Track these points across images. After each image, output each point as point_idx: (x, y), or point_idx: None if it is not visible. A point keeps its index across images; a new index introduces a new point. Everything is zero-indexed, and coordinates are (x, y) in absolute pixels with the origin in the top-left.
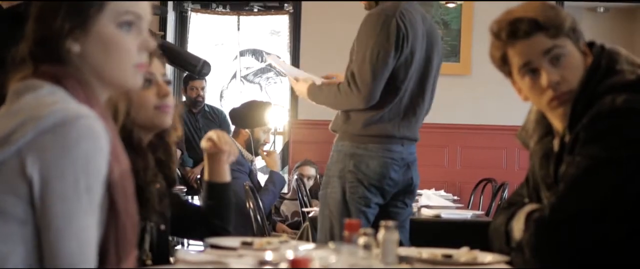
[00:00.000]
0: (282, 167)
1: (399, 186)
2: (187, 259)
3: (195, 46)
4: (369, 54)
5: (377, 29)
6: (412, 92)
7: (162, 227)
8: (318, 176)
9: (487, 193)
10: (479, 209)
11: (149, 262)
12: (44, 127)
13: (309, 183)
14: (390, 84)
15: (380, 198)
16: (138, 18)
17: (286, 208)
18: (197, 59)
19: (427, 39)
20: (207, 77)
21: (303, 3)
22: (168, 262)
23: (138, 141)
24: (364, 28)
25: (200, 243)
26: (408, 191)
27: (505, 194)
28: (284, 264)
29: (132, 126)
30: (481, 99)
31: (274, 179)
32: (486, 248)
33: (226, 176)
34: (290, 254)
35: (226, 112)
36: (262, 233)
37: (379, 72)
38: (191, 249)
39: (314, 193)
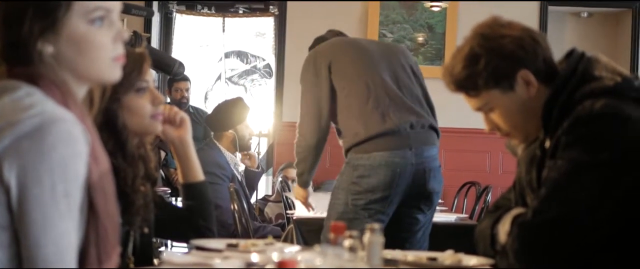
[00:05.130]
0: (267, 169)
1: (407, 191)
2: (172, 261)
3: (180, 47)
4: (303, 104)
5: (307, 72)
6: (391, 104)
7: (146, 230)
8: None
9: (470, 196)
10: (462, 212)
11: (132, 266)
12: (21, 133)
13: (293, 185)
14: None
15: (387, 207)
16: (108, 11)
17: (270, 210)
18: (173, 60)
19: (381, 51)
20: (191, 79)
21: (288, 4)
22: (152, 265)
23: (130, 149)
24: (301, 75)
25: (185, 244)
26: (423, 197)
27: (489, 197)
28: (270, 266)
29: (128, 134)
30: (465, 102)
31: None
32: (470, 250)
33: (199, 175)
34: (276, 256)
35: None
36: (246, 235)
37: (316, 116)
38: (176, 251)
39: None
